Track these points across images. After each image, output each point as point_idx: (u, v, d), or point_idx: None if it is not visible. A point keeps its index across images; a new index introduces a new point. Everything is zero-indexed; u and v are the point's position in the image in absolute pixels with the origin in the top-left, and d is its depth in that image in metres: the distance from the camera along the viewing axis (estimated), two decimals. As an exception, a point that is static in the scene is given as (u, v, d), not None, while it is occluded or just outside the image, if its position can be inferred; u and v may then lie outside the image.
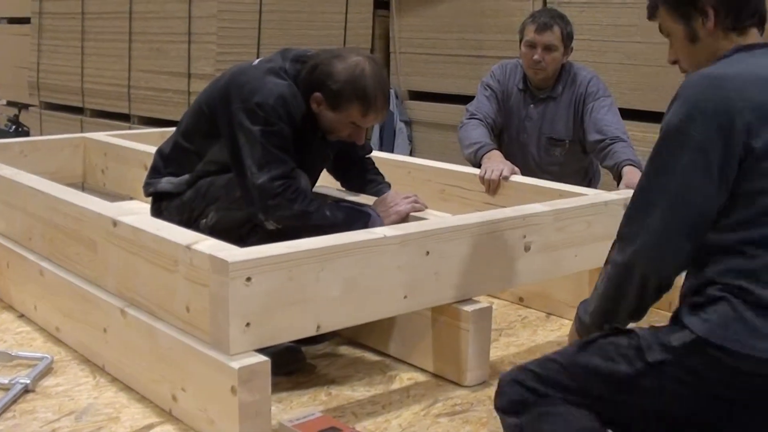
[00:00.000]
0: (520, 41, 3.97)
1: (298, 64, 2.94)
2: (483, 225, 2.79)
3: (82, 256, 2.89)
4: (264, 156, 2.79)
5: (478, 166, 3.78)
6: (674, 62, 2.19)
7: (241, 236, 2.84)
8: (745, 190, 1.90)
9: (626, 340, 1.96)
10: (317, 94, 2.87)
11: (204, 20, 5.92)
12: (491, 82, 4.12)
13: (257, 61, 3.03)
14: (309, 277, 2.39)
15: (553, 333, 3.22)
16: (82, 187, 5.07)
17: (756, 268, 1.86)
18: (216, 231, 2.81)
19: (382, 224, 2.85)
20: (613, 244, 2.05)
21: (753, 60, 2.01)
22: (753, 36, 2.07)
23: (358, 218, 2.88)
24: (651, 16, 2.18)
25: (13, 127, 8.07)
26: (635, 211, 1.98)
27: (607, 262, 2.07)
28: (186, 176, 3.04)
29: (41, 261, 3.12)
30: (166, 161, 3.11)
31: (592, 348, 2.00)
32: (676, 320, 1.94)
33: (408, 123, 6.64)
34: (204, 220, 2.95)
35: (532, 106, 4.03)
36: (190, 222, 2.92)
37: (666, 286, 1.99)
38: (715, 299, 1.87)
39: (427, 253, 2.64)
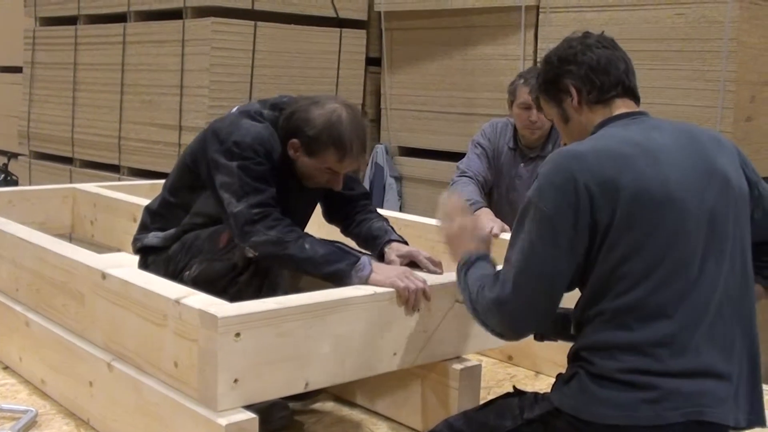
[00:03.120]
0: (511, 102, 3.99)
1: (276, 111, 2.94)
2: (473, 283, 2.78)
3: (70, 308, 2.87)
4: (242, 187, 2.76)
5: (468, 223, 3.77)
6: (565, 144, 2.33)
7: (222, 287, 2.81)
8: (599, 265, 2.04)
9: (516, 401, 2.26)
10: (294, 140, 2.86)
11: (196, 73, 5.95)
12: (482, 140, 4.14)
13: (235, 108, 3.04)
14: (298, 334, 2.38)
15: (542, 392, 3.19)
16: (70, 238, 5.05)
17: (599, 340, 2.04)
18: (198, 283, 2.78)
19: (370, 272, 2.67)
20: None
21: (611, 132, 2.17)
22: (620, 106, 2.22)
23: (342, 258, 2.72)
24: (538, 107, 2.36)
25: (2, 176, 8.07)
26: (500, 277, 2.14)
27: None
28: (173, 230, 3.03)
29: (27, 312, 3.10)
30: (153, 217, 3.10)
31: (492, 406, 2.29)
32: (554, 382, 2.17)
33: (398, 179, 6.65)
34: (187, 272, 2.92)
35: (522, 164, 4.05)
36: (174, 274, 2.90)
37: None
38: (573, 373, 2.08)
39: (417, 310, 2.63)
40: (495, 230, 3.60)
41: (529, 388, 3.22)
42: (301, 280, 3.08)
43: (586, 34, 2.29)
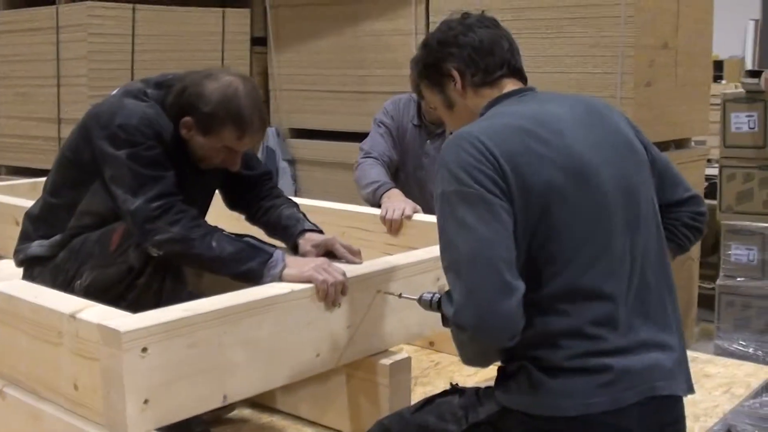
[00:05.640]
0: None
1: (161, 90, 2.67)
2: (394, 270, 2.60)
3: (-51, 328, 2.57)
4: (135, 179, 2.49)
5: (378, 206, 3.60)
6: (451, 133, 2.18)
7: (119, 294, 2.55)
8: (519, 249, 1.87)
9: (458, 399, 2.05)
10: (187, 119, 2.59)
11: (73, 62, 5.62)
12: (384, 118, 3.95)
13: (115, 90, 2.75)
14: (211, 343, 2.15)
15: (471, 378, 3.03)
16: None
17: (537, 332, 1.88)
18: (91, 292, 2.51)
19: (283, 268, 2.44)
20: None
21: (504, 110, 2.04)
22: (508, 86, 2.12)
23: (253, 256, 2.46)
24: (420, 95, 2.26)
25: None
26: (452, 289, 1.89)
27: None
28: (58, 236, 2.72)
29: None
30: (35, 224, 2.79)
31: (431, 407, 2.08)
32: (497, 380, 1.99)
33: (291, 162, 6.43)
34: (78, 282, 2.63)
35: (428, 141, 3.88)
36: (64, 285, 2.60)
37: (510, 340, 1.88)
38: (518, 367, 1.91)
39: (338, 305, 2.43)
40: (407, 212, 3.43)
41: (456, 375, 3.10)
42: (203, 280, 2.86)
43: (465, 15, 2.18)
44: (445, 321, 2.14)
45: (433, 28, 5.61)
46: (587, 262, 1.90)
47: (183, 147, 2.64)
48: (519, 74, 2.16)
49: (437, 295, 2.19)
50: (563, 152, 1.93)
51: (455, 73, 2.11)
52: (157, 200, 2.48)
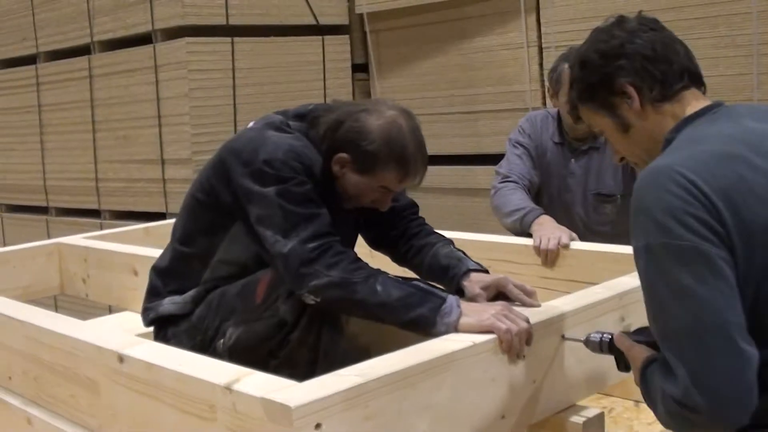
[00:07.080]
0: (556, 92, 3.47)
1: (303, 122, 2.44)
2: (576, 313, 2.25)
3: (80, 399, 2.31)
4: (286, 219, 2.23)
5: (525, 234, 3.27)
6: (622, 160, 1.88)
7: (270, 352, 2.29)
8: (752, 304, 1.55)
9: None
10: (343, 155, 2.35)
11: (174, 101, 5.41)
12: (521, 138, 3.62)
13: (251, 123, 2.52)
14: (389, 411, 1.82)
15: (652, 427, 2.67)
16: (55, 299, 4.49)
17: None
18: (237, 351, 2.27)
19: (460, 315, 2.11)
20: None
21: (699, 133, 1.68)
22: (691, 99, 1.80)
23: (423, 301, 2.15)
24: (576, 118, 1.91)
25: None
26: (673, 364, 1.56)
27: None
28: (192, 291, 2.47)
29: (27, 406, 2.53)
30: (164, 278, 2.53)
31: None
32: None
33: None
34: (221, 341, 2.37)
35: (573, 160, 3.54)
36: (204, 346, 2.35)
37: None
38: None
39: (522, 357, 2.10)
40: (564, 240, 3.09)
41: (636, 425, 2.73)
42: (349, 327, 2.55)
43: (621, 18, 1.84)
44: (621, 365, 1.88)
45: (545, 39, 5.38)
46: None
47: (331, 183, 2.36)
48: (699, 82, 1.82)
49: (607, 336, 1.95)
50: None
51: (630, 90, 1.79)
52: (312, 241, 2.20)
